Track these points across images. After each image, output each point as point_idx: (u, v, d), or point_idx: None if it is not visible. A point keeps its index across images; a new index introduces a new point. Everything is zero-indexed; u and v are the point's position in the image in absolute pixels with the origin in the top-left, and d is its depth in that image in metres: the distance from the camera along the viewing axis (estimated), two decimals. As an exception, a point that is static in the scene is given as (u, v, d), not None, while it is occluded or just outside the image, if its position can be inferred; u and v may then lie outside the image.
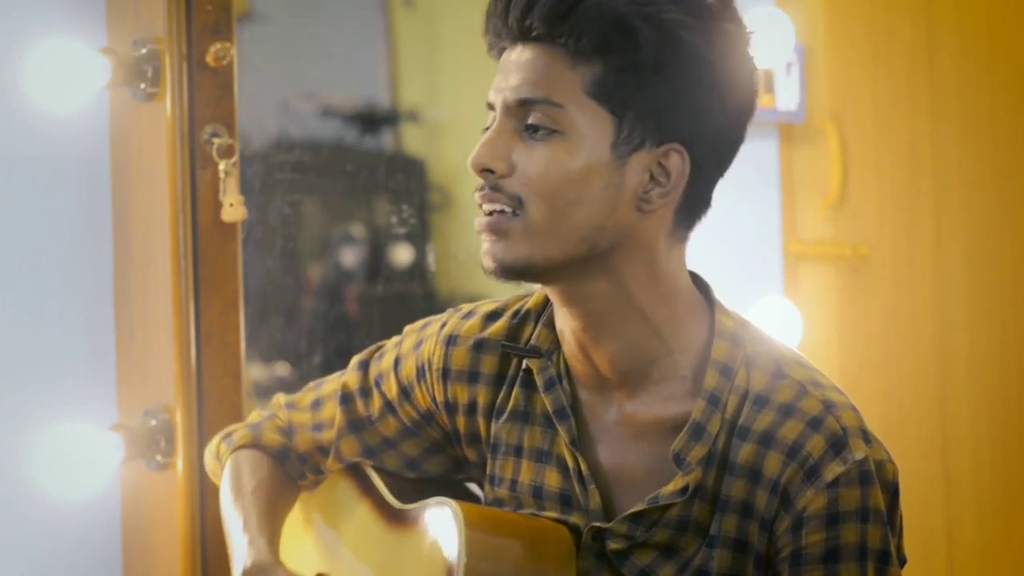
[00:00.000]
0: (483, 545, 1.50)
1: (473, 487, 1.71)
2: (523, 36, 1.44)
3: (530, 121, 1.43)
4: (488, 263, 1.46)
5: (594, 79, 1.42)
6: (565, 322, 1.51)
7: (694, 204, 1.49)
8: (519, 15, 1.43)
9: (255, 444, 1.73)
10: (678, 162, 1.45)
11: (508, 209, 1.44)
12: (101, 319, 2.29)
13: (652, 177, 1.45)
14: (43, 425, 2.17)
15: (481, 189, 1.45)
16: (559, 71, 1.43)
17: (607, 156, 1.43)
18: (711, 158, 1.48)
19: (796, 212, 3.19)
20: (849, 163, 3.15)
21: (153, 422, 2.20)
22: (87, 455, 2.17)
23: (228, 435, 1.75)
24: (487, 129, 1.48)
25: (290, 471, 1.73)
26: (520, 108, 1.44)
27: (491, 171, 1.44)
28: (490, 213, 1.45)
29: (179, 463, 2.17)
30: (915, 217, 3.21)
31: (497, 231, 1.45)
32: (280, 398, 1.78)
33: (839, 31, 3.17)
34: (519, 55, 1.45)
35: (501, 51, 1.49)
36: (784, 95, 3.11)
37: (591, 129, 1.43)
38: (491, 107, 1.48)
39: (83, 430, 2.18)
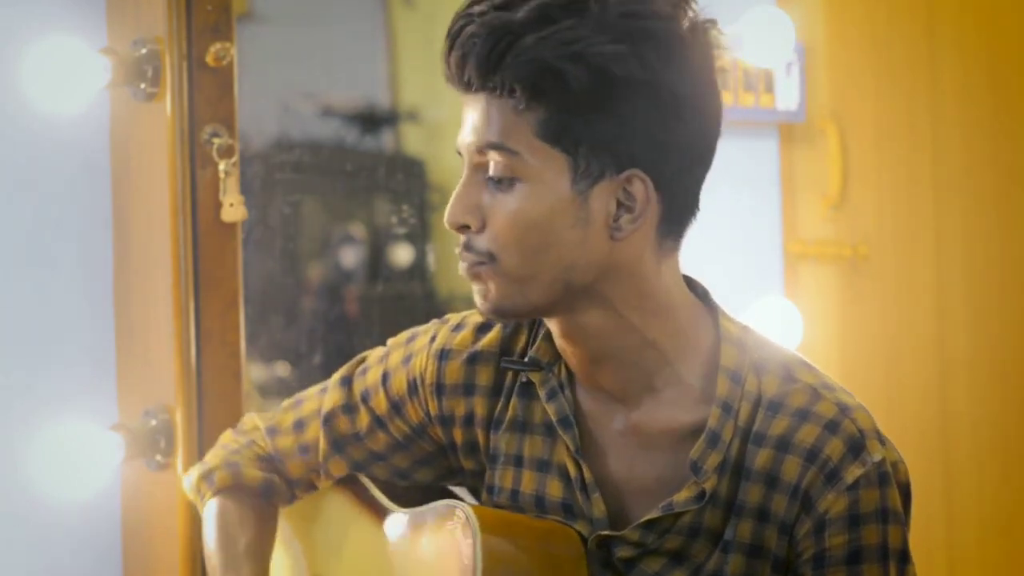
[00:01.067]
0: (498, 548, 1.49)
1: (463, 492, 1.70)
2: (466, 87, 1.45)
3: (492, 173, 1.44)
4: (481, 307, 1.48)
5: (539, 123, 1.42)
6: (563, 347, 1.52)
7: (677, 215, 1.48)
8: (457, 68, 1.44)
9: (236, 485, 1.70)
10: (640, 187, 1.44)
11: (483, 261, 1.45)
12: (101, 319, 2.29)
13: (619, 204, 1.44)
14: (43, 425, 2.17)
15: (459, 244, 1.47)
16: (507, 118, 1.43)
17: (568, 194, 1.43)
18: (681, 171, 1.46)
19: (796, 212, 3.19)
20: (849, 163, 3.15)
21: (153, 422, 2.20)
22: (87, 455, 2.17)
23: (208, 475, 1.72)
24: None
25: (277, 502, 1.72)
26: (480, 155, 1.45)
27: (466, 226, 1.45)
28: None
29: (179, 463, 2.17)
30: (915, 217, 3.21)
31: (478, 277, 1.46)
32: (255, 420, 1.76)
33: (839, 31, 3.17)
34: (473, 102, 1.46)
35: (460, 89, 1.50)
36: (784, 95, 3.11)
37: (548, 171, 1.43)
38: (460, 155, 1.49)
39: (83, 430, 2.18)
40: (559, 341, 1.52)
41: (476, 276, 1.46)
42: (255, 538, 1.68)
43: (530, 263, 1.44)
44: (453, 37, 1.45)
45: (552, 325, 1.51)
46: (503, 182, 1.44)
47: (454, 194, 1.47)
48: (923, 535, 3.17)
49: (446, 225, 1.47)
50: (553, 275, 1.44)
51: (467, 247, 1.46)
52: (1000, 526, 3.23)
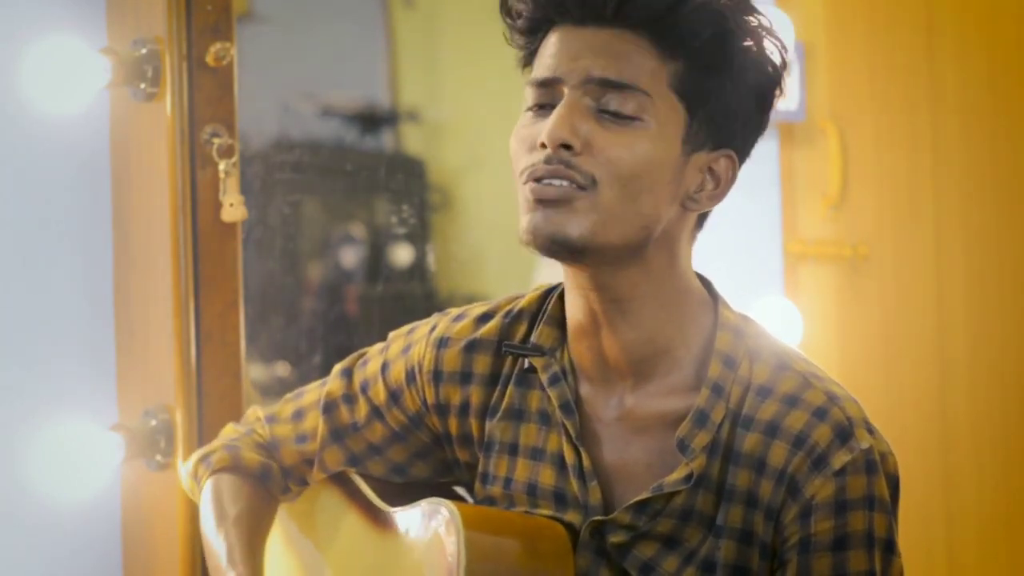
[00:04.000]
0: (481, 545, 1.49)
1: (460, 490, 1.70)
2: (611, 21, 1.43)
3: (612, 107, 1.43)
4: (541, 235, 1.43)
5: (677, 73, 1.43)
6: (582, 308, 1.51)
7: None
8: (616, 0, 1.42)
9: (234, 466, 1.70)
10: (728, 167, 1.49)
11: (577, 185, 1.42)
12: (101, 319, 2.29)
13: (703, 179, 1.48)
14: (43, 425, 2.17)
15: (548, 162, 1.42)
16: (645, 60, 1.43)
17: (677, 150, 1.45)
18: (743, 163, 1.52)
19: (796, 212, 3.19)
20: (849, 163, 3.15)
21: (153, 422, 2.20)
22: (87, 455, 2.17)
23: (206, 456, 1.73)
24: (540, 107, 1.46)
25: (273, 488, 1.72)
26: (599, 87, 1.43)
27: (568, 147, 1.42)
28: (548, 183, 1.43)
29: (179, 463, 2.16)
30: (915, 217, 3.21)
31: (561, 200, 1.42)
32: (257, 411, 1.76)
33: (839, 31, 3.17)
34: (594, 35, 1.43)
35: (539, 25, 1.47)
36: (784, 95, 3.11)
37: (668, 121, 1.44)
38: (547, 83, 1.45)
39: (83, 430, 2.18)
40: (579, 298, 1.51)
41: (560, 199, 1.42)
42: (248, 509, 1.67)
43: (628, 200, 1.43)
44: None
45: (581, 278, 1.49)
46: (622, 117, 1.43)
47: (555, 115, 1.42)
48: (923, 535, 3.17)
49: (546, 139, 1.42)
50: (642, 221, 1.44)
51: (567, 165, 1.42)
52: (1000, 526, 3.23)
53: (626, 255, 1.46)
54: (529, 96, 1.47)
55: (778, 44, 1.49)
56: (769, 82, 1.48)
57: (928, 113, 3.20)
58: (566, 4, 1.44)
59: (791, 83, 3.11)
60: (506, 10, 1.49)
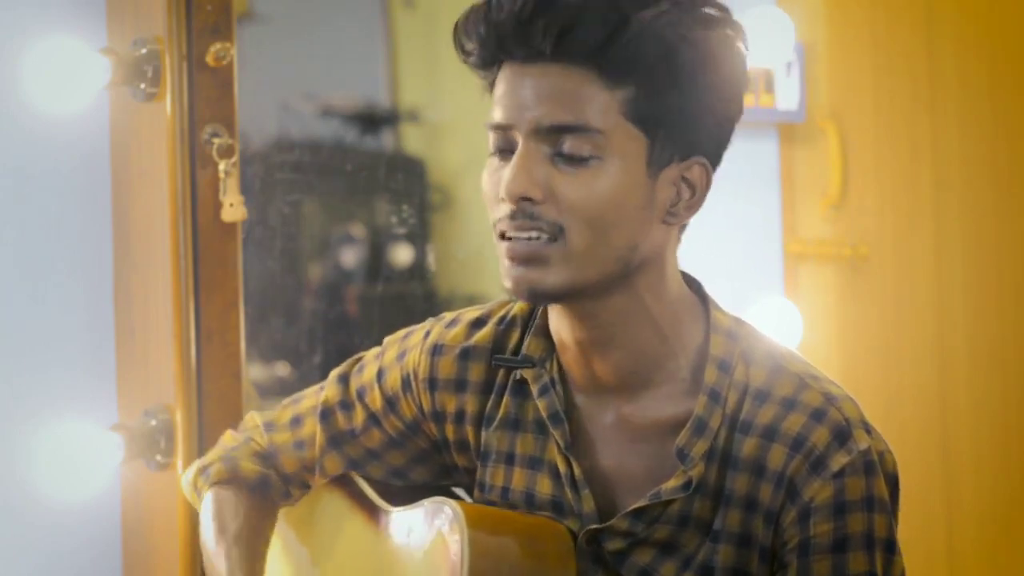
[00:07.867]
0: (485, 544, 1.49)
1: (459, 491, 1.70)
2: (553, 57, 1.40)
3: (566, 150, 1.40)
4: (521, 290, 1.43)
5: (628, 100, 1.41)
6: (569, 333, 1.50)
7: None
8: (554, 37, 1.39)
9: (232, 478, 1.69)
10: (701, 174, 1.46)
11: (546, 236, 1.41)
12: (101, 319, 2.29)
13: (677, 191, 1.45)
14: (43, 425, 2.17)
15: (513, 217, 1.42)
16: (593, 93, 1.40)
17: (642, 175, 1.43)
18: (719, 162, 1.49)
19: (796, 212, 3.19)
20: (849, 163, 3.15)
21: (153, 422, 2.20)
22: (87, 455, 2.17)
23: (204, 469, 1.71)
24: (501, 151, 1.44)
25: (273, 496, 1.71)
26: (552, 133, 1.41)
27: (529, 199, 1.41)
28: (517, 239, 1.42)
29: (179, 463, 2.17)
30: (915, 217, 3.21)
31: (534, 258, 1.42)
32: (255, 418, 1.75)
33: (839, 31, 3.17)
34: (541, 74, 1.41)
35: (490, 62, 1.45)
36: (784, 95, 3.11)
37: (627, 151, 1.42)
38: (502, 128, 1.44)
39: (83, 430, 2.18)
40: (564, 324, 1.50)
41: (533, 257, 1.42)
42: (247, 524, 1.66)
43: (599, 240, 1.42)
44: (510, 2, 1.40)
45: (568, 310, 1.48)
46: (578, 159, 1.41)
47: (513, 165, 1.41)
48: (923, 534, 3.18)
49: (505, 195, 1.41)
50: (617, 254, 1.43)
51: (530, 216, 1.41)
52: (1000, 524, 3.23)
53: (609, 286, 1.45)
54: (490, 139, 1.46)
55: (734, 31, 1.45)
56: (733, 78, 1.45)
57: (928, 113, 3.20)
58: (508, 46, 1.42)
59: (791, 83, 3.11)
60: (459, 47, 1.47)
